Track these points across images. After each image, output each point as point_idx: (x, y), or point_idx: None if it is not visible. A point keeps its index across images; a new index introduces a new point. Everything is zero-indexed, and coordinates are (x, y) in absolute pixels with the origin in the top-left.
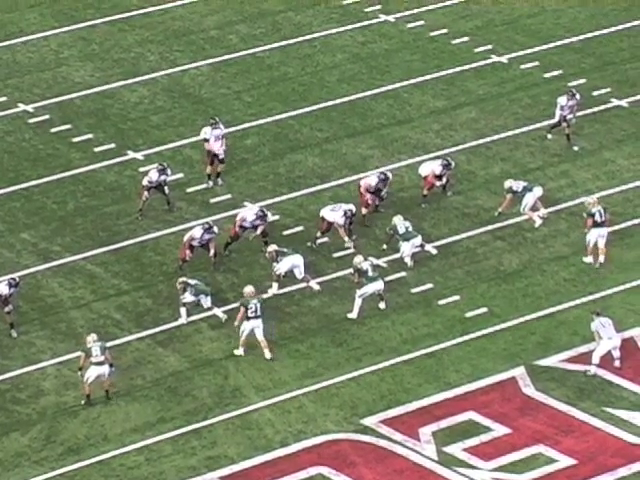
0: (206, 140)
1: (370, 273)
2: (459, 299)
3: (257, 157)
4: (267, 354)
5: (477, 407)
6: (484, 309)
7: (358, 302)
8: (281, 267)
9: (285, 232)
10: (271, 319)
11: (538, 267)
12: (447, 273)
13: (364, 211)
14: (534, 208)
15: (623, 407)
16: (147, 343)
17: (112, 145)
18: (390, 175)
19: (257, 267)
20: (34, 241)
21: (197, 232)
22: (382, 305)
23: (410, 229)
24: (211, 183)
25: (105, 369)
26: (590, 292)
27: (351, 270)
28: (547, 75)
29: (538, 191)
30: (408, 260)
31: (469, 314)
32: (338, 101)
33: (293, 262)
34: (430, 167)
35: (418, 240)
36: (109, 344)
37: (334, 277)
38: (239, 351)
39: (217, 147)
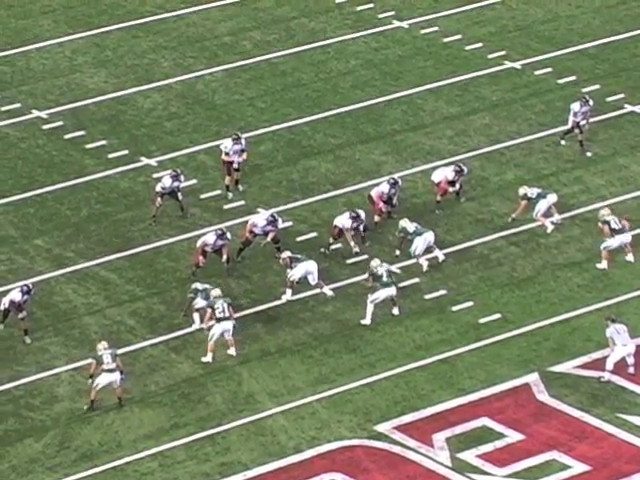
0: (226, 154)
1: (385, 278)
2: (473, 305)
3: (271, 163)
4: (232, 351)
5: (491, 413)
6: (498, 315)
7: (370, 308)
8: (295, 273)
9: (299, 238)
10: (285, 325)
11: (552, 273)
12: (461, 279)
13: (377, 219)
14: (547, 214)
15: (637, 413)
16: (161, 349)
17: (126, 151)
18: (399, 180)
19: (270, 273)
20: (48, 247)
21: (210, 238)
22: (395, 311)
23: (419, 227)
24: (230, 195)
25: (116, 376)
26: (604, 298)
27: (366, 275)
28: (561, 81)
29: (552, 198)
30: (423, 262)
31: (483, 320)
32: (352, 107)
33: (307, 268)
34: (443, 173)
35: (431, 235)
36: (122, 350)
37: (348, 283)
38: (207, 357)
39: (235, 158)
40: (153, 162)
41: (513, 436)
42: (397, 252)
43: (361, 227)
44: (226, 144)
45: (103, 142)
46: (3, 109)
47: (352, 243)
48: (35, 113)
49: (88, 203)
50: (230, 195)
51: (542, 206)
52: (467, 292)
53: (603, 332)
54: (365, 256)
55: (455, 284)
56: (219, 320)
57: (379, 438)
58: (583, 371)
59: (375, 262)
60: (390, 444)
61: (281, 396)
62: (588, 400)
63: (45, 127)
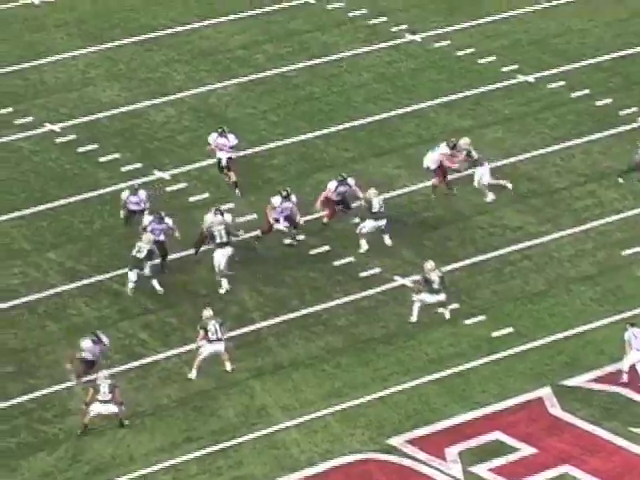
0: (208, 143)
1: (436, 285)
2: (486, 319)
3: (283, 177)
4: (228, 367)
5: (504, 427)
6: (510, 329)
7: (416, 306)
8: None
9: (311, 252)
10: (297, 339)
11: (565, 287)
12: (474, 293)
13: (325, 220)
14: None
15: None
16: (173, 362)
17: (139, 165)
18: (350, 181)
19: (283, 286)
20: (61, 260)
21: (332, 185)
22: (447, 315)
23: (382, 209)
24: (238, 191)
25: (111, 408)
26: (617, 312)
27: (417, 277)
28: (574, 95)
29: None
30: (363, 243)
31: (495, 334)
32: (364, 121)
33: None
34: (437, 155)
35: (383, 222)
36: (135, 363)
37: (360, 297)
38: (192, 374)
39: (221, 154)
40: (166, 175)
41: (526, 450)
42: (356, 219)
43: (344, 193)
44: (212, 137)
45: (116, 155)
46: (16, 122)
47: (317, 205)
48: (48, 126)
49: (101, 216)
50: (238, 192)
51: (482, 172)
52: (480, 306)
53: (616, 346)
54: (378, 269)
55: (468, 297)
56: (211, 342)
57: (392, 451)
58: (596, 385)
59: (430, 265)
60: (403, 457)
61: (294, 409)
62: (600, 414)
63: (58, 140)
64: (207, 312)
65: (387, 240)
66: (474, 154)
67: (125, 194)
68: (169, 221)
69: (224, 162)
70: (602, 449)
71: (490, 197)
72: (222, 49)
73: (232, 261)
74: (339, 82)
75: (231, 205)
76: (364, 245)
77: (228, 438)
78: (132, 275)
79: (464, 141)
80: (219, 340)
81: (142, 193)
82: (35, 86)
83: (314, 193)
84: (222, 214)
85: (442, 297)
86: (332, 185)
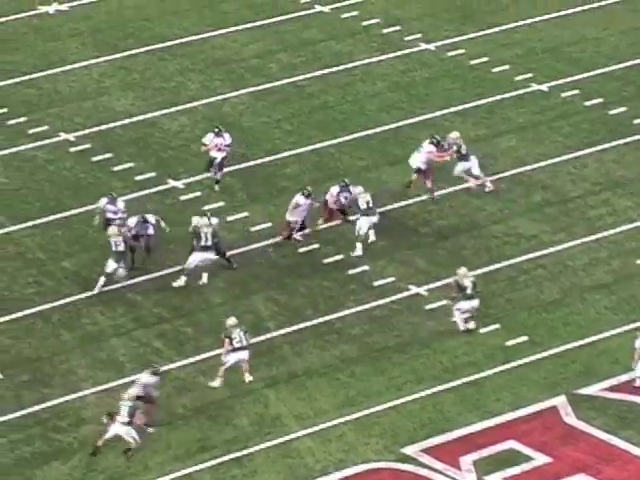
0: (204, 144)
1: (469, 291)
2: (500, 327)
3: (297, 185)
4: (248, 378)
5: (518, 436)
6: (525, 337)
7: (457, 315)
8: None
9: (325, 260)
10: (312, 347)
11: (579, 295)
12: (488, 301)
13: (320, 221)
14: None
15: None
16: (188, 371)
17: (153, 174)
18: (353, 188)
19: (297, 295)
20: (75, 269)
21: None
22: (471, 325)
23: (371, 205)
24: (217, 187)
25: (127, 431)
26: (631, 320)
27: (450, 280)
28: (588, 103)
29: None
30: (359, 248)
31: (510, 342)
32: (378, 129)
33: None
34: (422, 156)
35: (375, 218)
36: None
37: (374, 306)
38: (215, 382)
39: (217, 154)
40: (180, 184)
41: (540, 459)
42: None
43: (345, 200)
44: (209, 137)
45: (130, 164)
46: (31, 132)
47: (320, 222)
48: (63, 136)
49: None
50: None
51: (470, 165)
52: (494, 314)
53: (631, 354)
54: (392, 278)
55: (482, 306)
56: (236, 349)
57: (406, 461)
58: (610, 394)
59: (462, 271)
60: (417, 467)
61: (308, 418)
62: (615, 423)
63: (72, 150)
64: (231, 320)
65: (372, 236)
66: (464, 149)
67: (103, 201)
68: (152, 219)
69: (218, 160)
70: (617, 458)
71: (473, 183)
72: (236, 58)
73: (209, 264)
74: (353, 91)
75: (246, 214)
76: (359, 249)
77: (242, 447)
78: (111, 264)
79: (454, 135)
80: (244, 348)
81: (120, 203)
82: (49, 95)
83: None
84: (209, 218)
85: (476, 303)
86: (334, 190)
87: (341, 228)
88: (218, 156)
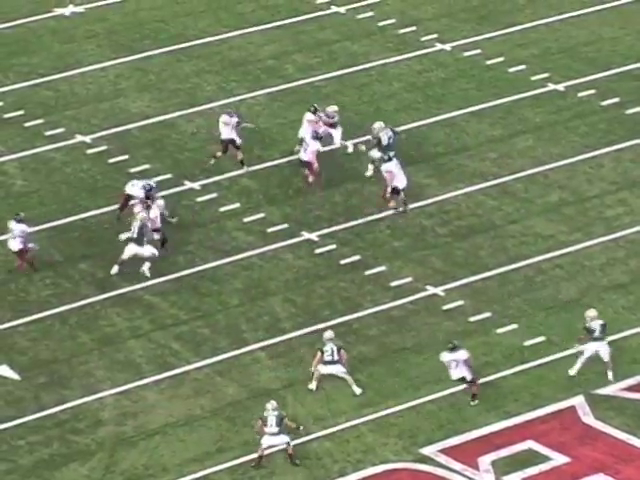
0: (225, 123)
1: (597, 333)
2: (517, 328)
3: (314, 186)
4: (356, 390)
5: (536, 436)
6: (542, 338)
7: (580, 358)
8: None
9: (342, 261)
10: None
11: (597, 295)
12: (505, 302)
13: (311, 179)
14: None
15: None
16: (205, 373)
17: (169, 175)
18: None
19: (314, 296)
20: (92, 271)
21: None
22: (610, 375)
23: (392, 140)
24: (212, 162)
25: (281, 439)
26: None
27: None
28: (604, 103)
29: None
30: (370, 167)
31: (528, 343)
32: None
33: None
34: (305, 124)
35: (392, 153)
36: (167, 374)
37: (391, 306)
38: (312, 385)
39: (229, 133)
40: (196, 186)
41: (559, 459)
42: (363, 147)
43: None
44: (224, 117)
45: (147, 166)
46: (47, 134)
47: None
48: (79, 138)
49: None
50: (214, 161)
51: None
52: (512, 315)
53: None
54: (408, 279)
55: (500, 307)
56: (326, 363)
57: (424, 461)
58: (629, 393)
59: (592, 313)
60: (435, 467)
61: (326, 419)
62: (634, 422)
63: (89, 151)
64: (328, 333)
65: (369, 172)
66: (336, 119)
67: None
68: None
69: (227, 139)
70: (636, 458)
71: (350, 148)
72: (252, 59)
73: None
74: (369, 92)
75: (262, 215)
76: (370, 170)
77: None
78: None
79: (331, 109)
80: (334, 362)
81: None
82: (66, 97)
83: (345, 203)
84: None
85: (602, 347)
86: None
87: (357, 229)
88: (233, 136)
